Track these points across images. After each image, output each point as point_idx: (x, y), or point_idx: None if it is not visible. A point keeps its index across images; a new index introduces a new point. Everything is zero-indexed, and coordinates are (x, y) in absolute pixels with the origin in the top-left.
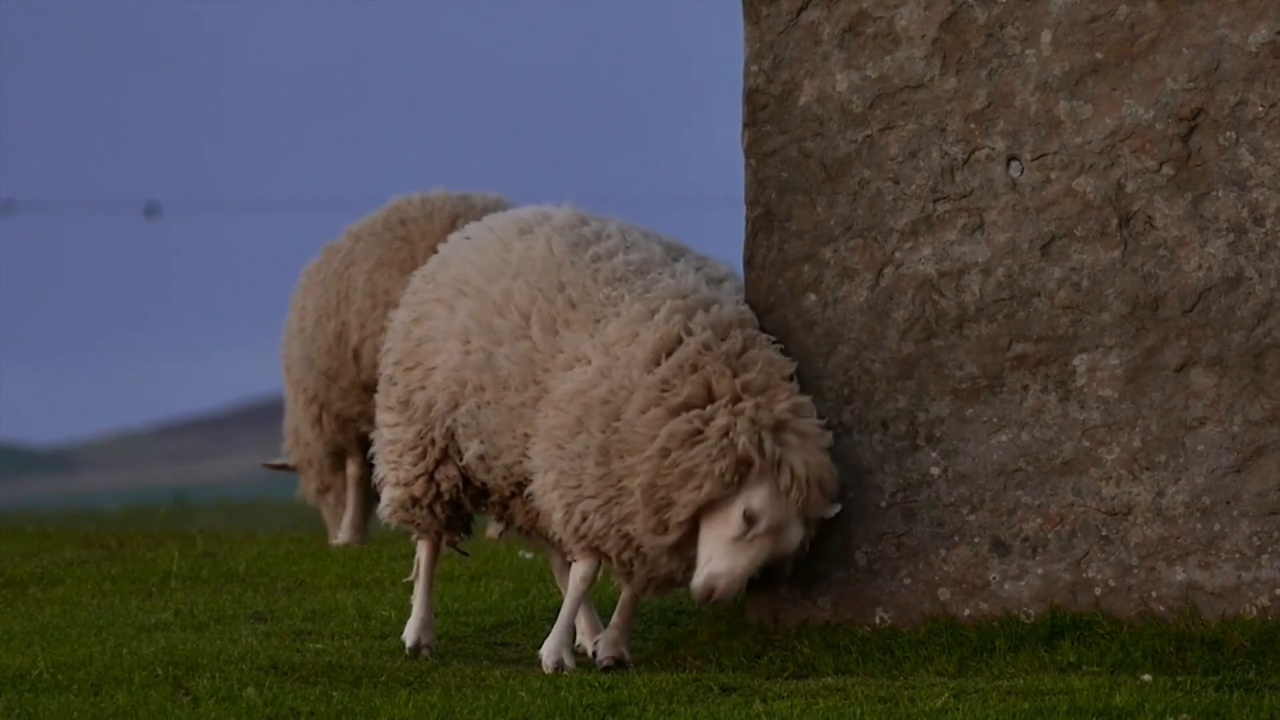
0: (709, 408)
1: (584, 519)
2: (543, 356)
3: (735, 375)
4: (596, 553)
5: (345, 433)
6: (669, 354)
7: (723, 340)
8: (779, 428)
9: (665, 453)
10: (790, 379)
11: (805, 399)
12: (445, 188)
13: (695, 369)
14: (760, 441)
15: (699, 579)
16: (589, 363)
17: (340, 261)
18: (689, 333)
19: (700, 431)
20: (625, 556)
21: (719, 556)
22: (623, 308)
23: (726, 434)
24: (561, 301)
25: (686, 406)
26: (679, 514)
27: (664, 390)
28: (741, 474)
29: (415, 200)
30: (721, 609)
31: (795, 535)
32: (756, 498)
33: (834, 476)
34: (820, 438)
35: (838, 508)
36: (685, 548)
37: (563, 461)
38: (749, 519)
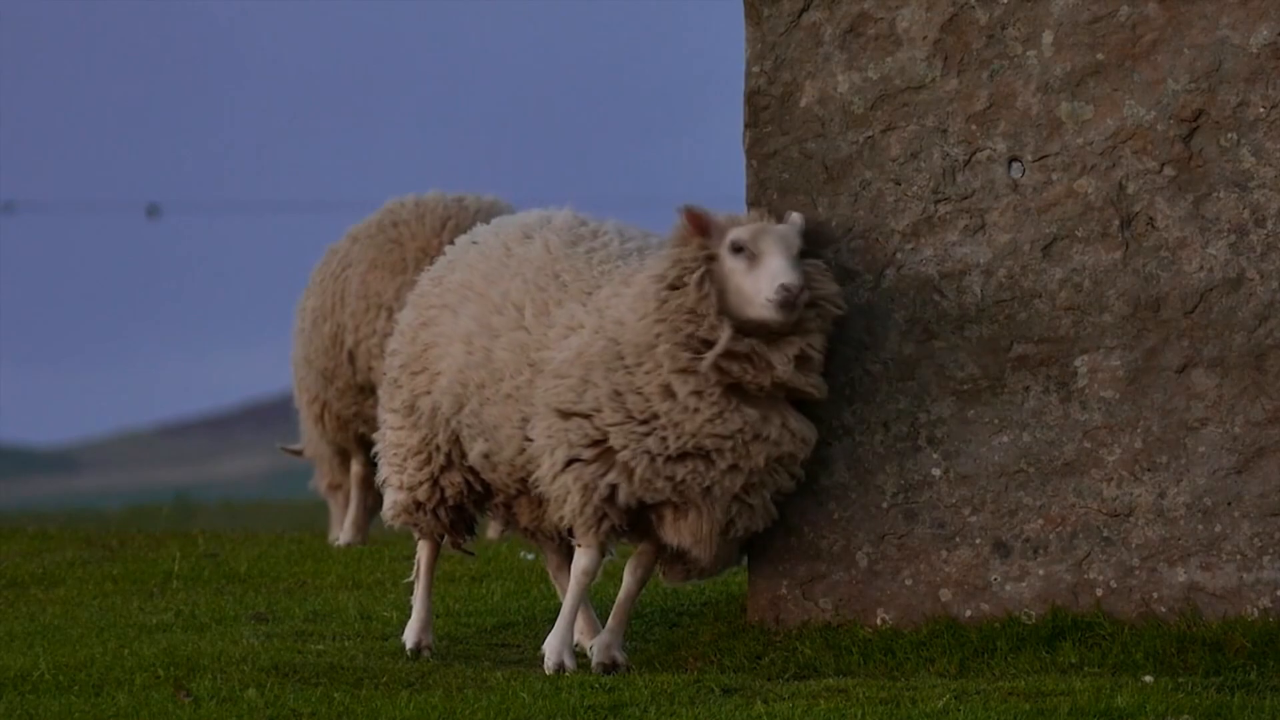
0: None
1: (611, 491)
2: (534, 338)
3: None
4: (609, 536)
5: (345, 431)
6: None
7: None
8: None
9: (661, 299)
10: None
11: None
12: (445, 190)
13: (673, 264)
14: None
15: (765, 293)
16: (584, 327)
17: (338, 263)
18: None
19: (683, 277)
20: (679, 495)
21: (755, 282)
22: (615, 274)
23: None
24: (555, 287)
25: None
26: (709, 318)
27: (651, 296)
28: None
29: (409, 202)
30: (722, 613)
31: (785, 230)
32: (730, 234)
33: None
34: None
35: (797, 219)
36: (719, 407)
37: (572, 433)
38: (735, 248)
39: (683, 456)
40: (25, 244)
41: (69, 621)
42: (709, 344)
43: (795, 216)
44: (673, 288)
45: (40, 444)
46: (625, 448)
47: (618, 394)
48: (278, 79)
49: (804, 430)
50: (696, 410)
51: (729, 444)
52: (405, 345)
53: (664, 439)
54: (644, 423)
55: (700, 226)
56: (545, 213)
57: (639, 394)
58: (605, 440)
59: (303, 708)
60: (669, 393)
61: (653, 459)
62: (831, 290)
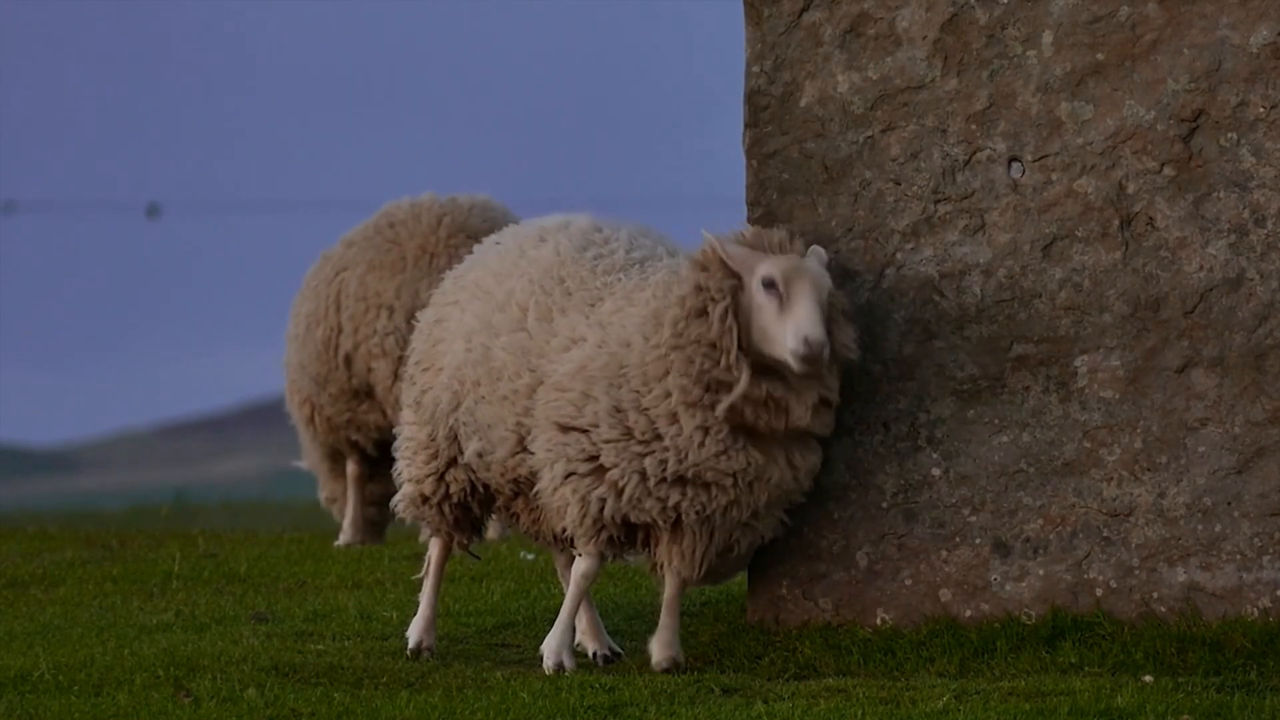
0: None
1: (601, 505)
2: (537, 343)
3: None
4: (608, 547)
5: (336, 434)
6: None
7: None
8: None
9: (678, 328)
10: None
11: None
12: (444, 191)
13: (695, 291)
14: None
15: (790, 344)
16: (585, 340)
17: (331, 268)
18: (679, 280)
19: (706, 306)
20: (666, 518)
21: (782, 327)
22: (618, 288)
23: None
24: (559, 292)
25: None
26: (728, 356)
27: (659, 318)
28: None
29: (404, 204)
30: (722, 613)
31: (819, 272)
32: (761, 268)
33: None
34: None
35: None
36: (713, 432)
37: (570, 448)
38: (767, 284)
39: (679, 481)
40: (25, 244)
41: (69, 621)
42: (723, 384)
43: (819, 253)
44: (694, 315)
45: (40, 444)
46: (616, 466)
47: (618, 410)
48: (278, 79)
49: (809, 463)
50: (701, 445)
51: (730, 480)
52: (421, 341)
53: (663, 462)
54: (644, 443)
55: (727, 266)
56: (567, 217)
57: (643, 413)
58: (599, 457)
59: (303, 708)
60: (674, 419)
61: (644, 479)
62: (848, 337)
